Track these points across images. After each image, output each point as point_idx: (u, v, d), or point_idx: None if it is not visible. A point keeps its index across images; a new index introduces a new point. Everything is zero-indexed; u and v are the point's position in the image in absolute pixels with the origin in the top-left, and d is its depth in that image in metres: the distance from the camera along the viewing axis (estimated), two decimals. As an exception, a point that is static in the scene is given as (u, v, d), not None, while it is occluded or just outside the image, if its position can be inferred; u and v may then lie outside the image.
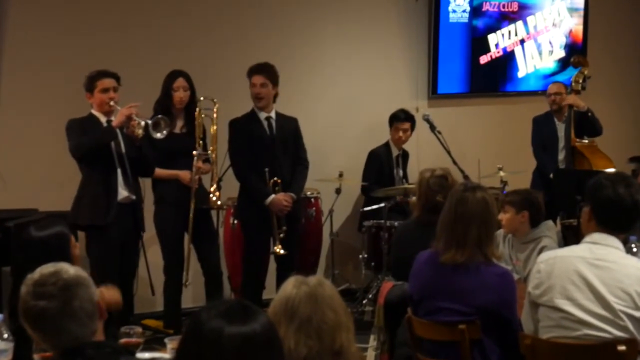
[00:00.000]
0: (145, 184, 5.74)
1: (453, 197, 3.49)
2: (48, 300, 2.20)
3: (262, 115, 5.73)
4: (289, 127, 5.81)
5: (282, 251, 5.60)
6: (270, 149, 5.68)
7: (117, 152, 5.08)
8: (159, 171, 5.53)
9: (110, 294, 3.39)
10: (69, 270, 2.27)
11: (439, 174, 4.35)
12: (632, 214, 3.13)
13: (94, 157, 5.00)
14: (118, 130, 5.05)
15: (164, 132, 5.10)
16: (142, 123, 4.99)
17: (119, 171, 5.08)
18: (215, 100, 5.61)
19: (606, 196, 3.10)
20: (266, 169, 5.60)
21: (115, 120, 5.01)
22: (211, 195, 5.50)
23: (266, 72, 5.69)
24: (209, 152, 5.55)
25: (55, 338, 2.21)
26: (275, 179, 5.62)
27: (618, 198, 3.09)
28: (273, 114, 5.76)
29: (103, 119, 5.11)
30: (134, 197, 5.16)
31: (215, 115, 5.58)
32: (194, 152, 5.45)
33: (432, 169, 4.42)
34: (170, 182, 5.51)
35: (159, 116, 5.16)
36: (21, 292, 2.25)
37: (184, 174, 5.49)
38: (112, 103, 5.07)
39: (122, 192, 5.10)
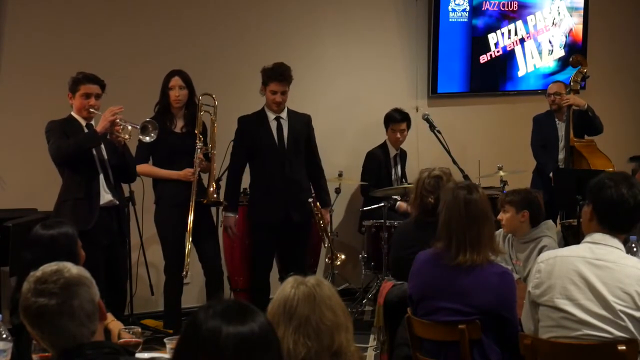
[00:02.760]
0: (145, 184, 5.75)
1: (457, 200, 3.45)
2: (48, 298, 2.19)
3: (271, 115, 5.69)
4: (301, 126, 5.76)
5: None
6: (279, 151, 5.65)
7: (99, 156, 4.99)
8: (160, 171, 5.53)
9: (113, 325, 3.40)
10: (72, 269, 2.27)
11: (435, 174, 4.33)
12: (634, 215, 3.11)
13: (75, 161, 4.91)
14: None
15: (152, 135, 5.04)
16: (129, 127, 4.93)
17: (101, 176, 4.98)
18: (214, 96, 5.60)
19: (609, 196, 3.08)
20: None
21: (99, 125, 4.90)
22: (209, 187, 5.49)
23: (287, 79, 5.66)
24: (209, 148, 5.53)
25: (53, 336, 2.21)
26: None
27: (621, 199, 3.07)
28: (284, 114, 5.72)
29: (83, 123, 5.02)
30: (117, 202, 5.07)
31: (214, 112, 5.56)
32: (197, 147, 5.44)
33: (430, 169, 4.41)
34: (170, 182, 5.49)
35: (147, 120, 5.10)
36: (23, 289, 2.25)
37: (184, 172, 5.47)
38: (91, 110, 4.97)
39: (106, 196, 4.99)
